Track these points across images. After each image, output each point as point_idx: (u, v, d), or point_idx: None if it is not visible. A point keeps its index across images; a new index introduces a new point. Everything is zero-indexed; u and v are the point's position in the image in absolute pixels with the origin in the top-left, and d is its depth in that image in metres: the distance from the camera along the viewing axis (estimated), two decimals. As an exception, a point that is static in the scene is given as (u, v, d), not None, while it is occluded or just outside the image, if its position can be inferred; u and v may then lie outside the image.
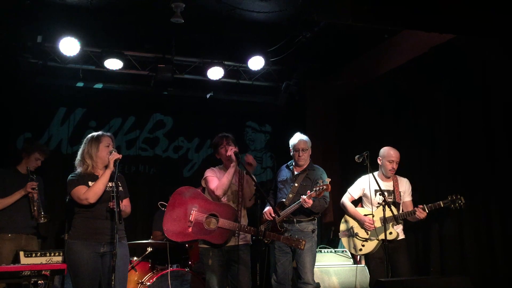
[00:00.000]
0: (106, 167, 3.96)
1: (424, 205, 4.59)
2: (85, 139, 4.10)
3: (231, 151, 4.28)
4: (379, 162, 4.96)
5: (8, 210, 5.10)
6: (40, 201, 5.14)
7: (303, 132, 5.10)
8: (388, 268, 4.33)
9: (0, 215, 5.10)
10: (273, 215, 4.51)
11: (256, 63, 6.45)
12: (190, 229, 4.30)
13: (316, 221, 4.83)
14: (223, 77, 6.61)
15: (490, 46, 4.79)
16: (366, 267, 5.62)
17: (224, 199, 4.40)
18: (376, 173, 4.94)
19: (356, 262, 5.83)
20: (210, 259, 4.32)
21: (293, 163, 4.97)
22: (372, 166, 4.61)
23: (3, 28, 5.59)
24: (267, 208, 4.61)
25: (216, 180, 4.39)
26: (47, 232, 5.75)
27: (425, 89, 5.61)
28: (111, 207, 3.88)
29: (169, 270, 5.07)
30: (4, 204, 5.08)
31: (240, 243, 4.33)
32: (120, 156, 3.96)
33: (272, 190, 5.15)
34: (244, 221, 4.46)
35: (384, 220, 4.48)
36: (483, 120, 4.85)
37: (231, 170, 4.28)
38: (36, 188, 5.11)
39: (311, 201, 4.49)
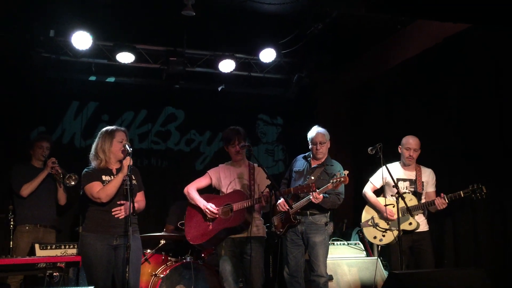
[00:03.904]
0: (120, 161, 4.00)
1: (445, 195, 4.54)
2: (99, 133, 4.12)
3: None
4: (399, 150, 4.93)
5: (28, 202, 5.17)
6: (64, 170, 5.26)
7: (314, 124, 5.05)
8: (402, 259, 4.31)
9: (19, 208, 5.17)
10: (286, 207, 4.50)
11: (267, 55, 6.43)
12: (210, 226, 4.42)
13: (329, 213, 4.80)
14: (234, 70, 6.60)
15: (505, 35, 4.71)
16: (379, 259, 5.60)
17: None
18: (398, 163, 4.91)
19: (369, 254, 5.81)
20: (223, 250, 4.42)
21: (311, 155, 4.93)
22: (385, 158, 4.57)
23: (16, 23, 5.63)
24: (281, 200, 4.60)
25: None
26: (62, 225, 5.81)
27: (437, 80, 5.55)
28: (115, 215, 3.93)
29: (191, 261, 5.11)
30: (33, 187, 5.16)
31: (252, 235, 4.35)
32: (130, 162, 3.93)
33: (285, 180, 5.09)
34: (257, 215, 4.49)
35: (398, 211, 4.45)
36: (498, 111, 4.79)
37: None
38: (56, 162, 5.22)
39: (321, 197, 4.46)
